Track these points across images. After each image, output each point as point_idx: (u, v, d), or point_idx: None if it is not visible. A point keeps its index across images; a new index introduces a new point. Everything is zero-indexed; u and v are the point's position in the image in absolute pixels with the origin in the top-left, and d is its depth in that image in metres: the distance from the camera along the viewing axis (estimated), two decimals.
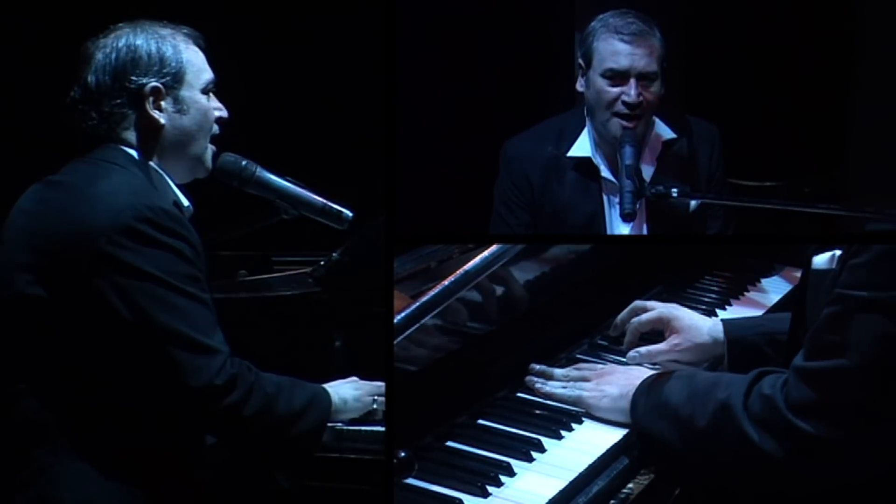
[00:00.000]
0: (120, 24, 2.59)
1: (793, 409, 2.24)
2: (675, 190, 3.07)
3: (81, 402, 2.40)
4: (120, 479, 2.40)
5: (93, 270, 2.36)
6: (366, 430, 2.78)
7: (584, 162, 3.31)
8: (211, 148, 2.65)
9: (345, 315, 3.05)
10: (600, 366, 2.78)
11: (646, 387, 2.55)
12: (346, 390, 2.68)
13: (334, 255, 3.10)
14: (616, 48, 3.15)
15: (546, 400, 2.71)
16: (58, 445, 2.39)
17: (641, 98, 3.16)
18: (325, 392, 2.62)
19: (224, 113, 2.66)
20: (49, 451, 2.40)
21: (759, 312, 3.33)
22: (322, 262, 3.11)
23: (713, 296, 3.44)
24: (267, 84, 3.88)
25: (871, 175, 4.37)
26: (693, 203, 3.33)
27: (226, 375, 2.39)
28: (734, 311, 3.35)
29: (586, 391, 2.64)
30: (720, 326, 2.88)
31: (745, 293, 3.50)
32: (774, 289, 3.55)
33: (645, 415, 2.50)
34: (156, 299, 2.37)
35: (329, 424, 2.70)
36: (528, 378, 2.76)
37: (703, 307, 3.32)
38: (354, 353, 3.03)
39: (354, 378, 2.74)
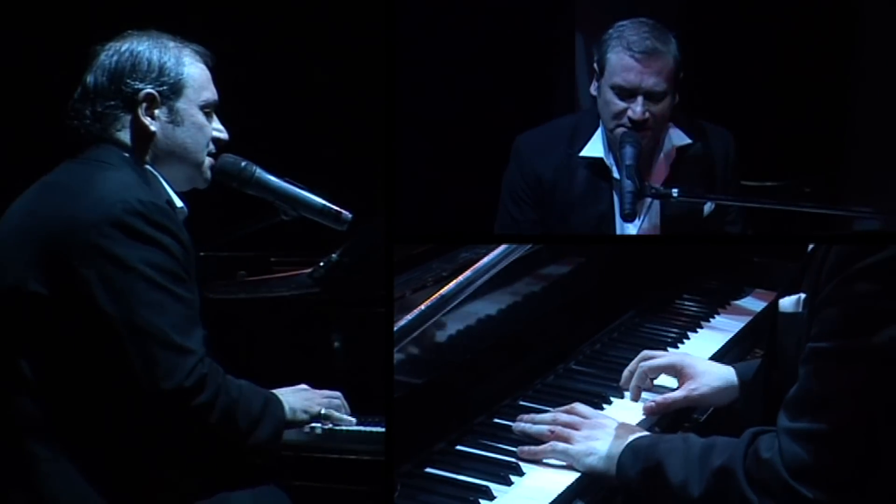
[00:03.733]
0: (130, 31, 2.60)
1: (792, 473, 2.18)
2: (675, 190, 3.07)
3: (73, 397, 2.40)
4: (114, 475, 2.39)
5: (81, 262, 2.36)
6: (366, 431, 2.78)
7: (596, 162, 3.31)
8: (209, 160, 2.65)
9: (344, 316, 3.06)
10: (590, 411, 2.67)
11: (633, 449, 2.44)
12: (294, 399, 2.66)
13: (333, 255, 3.10)
14: (626, 64, 3.14)
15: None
16: (53, 441, 2.39)
17: (647, 116, 3.15)
18: (278, 399, 2.61)
19: (224, 135, 2.66)
20: (45, 447, 2.40)
21: (729, 335, 3.33)
22: (321, 263, 3.11)
23: (684, 319, 3.43)
24: (266, 84, 3.88)
25: (871, 175, 4.37)
26: (707, 207, 3.32)
27: (196, 377, 2.38)
28: (705, 335, 3.35)
29: (572, 446, 2.51)
30: (731, 370, 2.83)
31: (716, 316, 3.50)
32: (744, 311, 3.55)
33: (634, 478, 2.40)
34: (138, 293, 2.36)
35: (328, 427, 2.72)
36: (518, 447, 2.61)
37: (675, 331, 3.32)
38: (353, 353, 3.03)
39: (304, 386, 2.73)
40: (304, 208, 2.81)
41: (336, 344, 3.05)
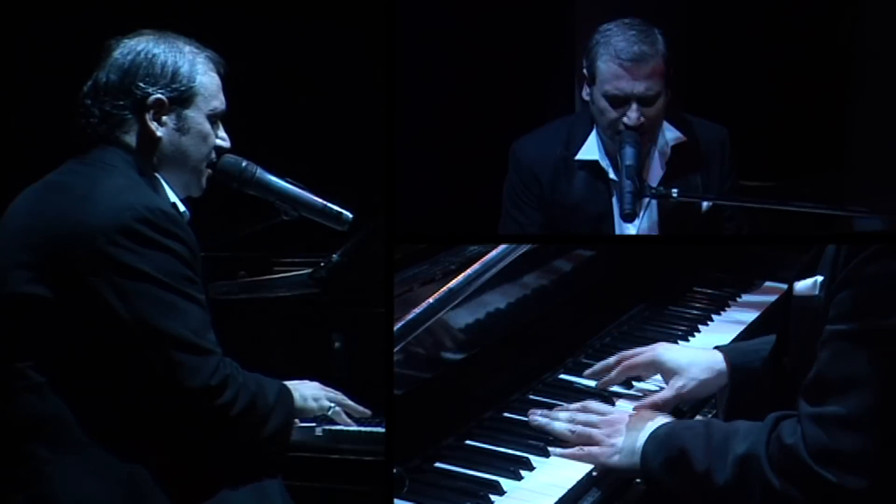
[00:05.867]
0: (146, 30, 2.59)
1: (815, 458, 2.17)
2: (675, 190, 3.07)
3: (80, 400, 2.40)
4: (118, 477, 2.39)
5: (91, 270, 2.36)
6: (366, 432, 2.78)
7: (592, 164, 3.32)
8: (207, 171, 2.65)
9: (344, 316, 3.06)
10: (605, 407, 2.68)
11: (656, 439, 2.43)
12: (305, 388, 2.70)
13: (334, 256, 3.10)
14: (615, 72, 3.14)
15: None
16: (57, 442, 2.39)
17: (642, 120, 3.16)
18: (288, 388, 2.64)
19: (226, 144, 2.66)
20: (47, 448, 2.39)
21: (740, 328, 3.32)
22: (322, 264, 3.11)
23: (695, 312, 3.43)
24: (267, 85, 3.88)
25: (871, 175, 4.37)
26: (705, 204, 3.33)
27: (220, 376, 2.40)
28: (716, 327, 3.34)
29: (596, 447, 2.51)
30: (719, 356, 2.78)
31: (726, 308, 3.49)
32: (755, 303, 3.54)
33: (658, 469, 2.39)
34: (153, 300, 2.37)
35: (327, 427, 2.73)
36: (532, 421, 2.64)
37: (685, 324, 3.32)
38: (353, 354, 3.03)
39: (313, 382, 2.76)
40: (305, 208, 2.81)
41: (336, 344, 3.06)
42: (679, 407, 2.79)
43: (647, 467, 2.41)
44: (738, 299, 3.57)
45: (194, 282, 2.43)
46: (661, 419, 2.53)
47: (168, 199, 2.55)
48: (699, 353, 2.85)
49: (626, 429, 2.50)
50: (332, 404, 2.75)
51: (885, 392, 2.14)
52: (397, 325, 2.39)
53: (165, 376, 2.37)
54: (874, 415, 2.15)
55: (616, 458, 2.47)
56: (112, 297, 2.36)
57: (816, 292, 2.34)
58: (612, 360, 2.90)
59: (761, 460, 2.24)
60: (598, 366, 2.91)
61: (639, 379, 2.91)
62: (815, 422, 2.19)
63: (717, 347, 2.85)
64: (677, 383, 2.77)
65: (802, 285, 2.40)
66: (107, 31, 2.63)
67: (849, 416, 2.16)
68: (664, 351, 2.87)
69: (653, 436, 2.44)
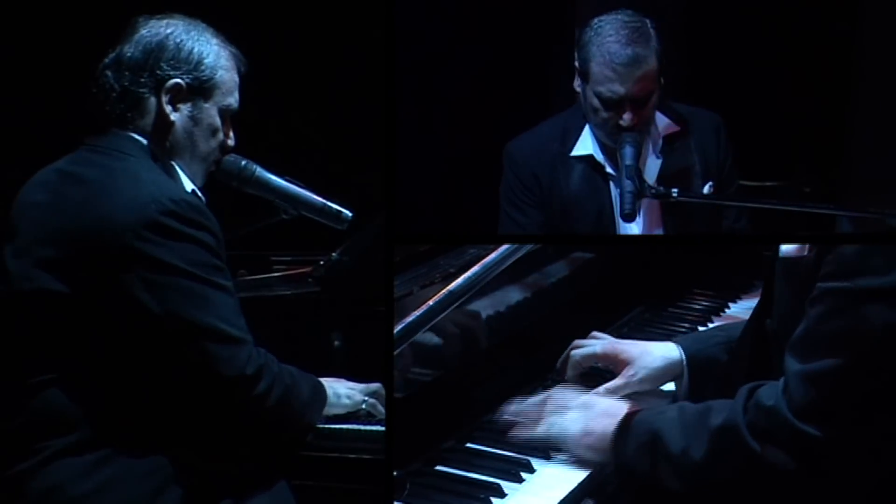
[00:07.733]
0: (176, 14, 2.59)
1: (798, 415, 2.18)
2: (675, 190, 3.07)
3: (108, 394, 2.39)
4: (139, 471, 2.39)
5: (119, 266, 2.35)
6: (366, 430, 2.78)
7: (589, 159, 3.32)
8: (212, 166, 2.66)
9: (344, 315, 3.05)
10: (573, 395, 2.66)
11: (626, 426, 2.44)
12: (338, 386, 2.71)
13: (334, 255, 3.10)
14: (608, 76, 3.14)
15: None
16: (78, 436, 2.38)
17: (636, 120, 3.16)
18: (322, 384, 2.65)
19: (231, 142, 2.67)
20: (66, 441, 2.38)
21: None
22: (321, 262, 3.11)
23: (695, 314, 3.43)
24: (267, 84, 3.88)
25: (871, 175, 4.38)
26: (707, 188, 3.32)
27: (255, 365, 2.41)
28: None
29: (569, 431, 2.52)
30: (672, 346, 2.82)
31: (726, 310, 3.49)
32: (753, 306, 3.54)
33: (631, 455, 2.40)
34: (184, 292, 2.37)
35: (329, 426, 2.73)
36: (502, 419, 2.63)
37: (684, 326, 3.31)
38: (353, 353, 3.03)
39: (343, 380, 2.76)
40: (305, 207, 2.82)
41: (336, 343, 3.05)
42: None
43: (619, 455, 2.42)
44: (737, 301, 3.57)
45: (221, 269, 2.43)
46: (624, 404, 2.54)
47: (185, 186, 2.56)
48: (652, 345, 2.88)
49: (594, 415, 2.51)
50: (366, 397, 2.74)
51: (874, 348, 2.15)
52: (398, 328, 2.39)
53: (200, 368, 2.37)
54: (861, 371, 2.16)
55: (588, 440, 2.48)
56: (141, 292, 2.35)
57: (805, 252, 2.34)
58: (567, 351, 2.90)
59: (740, 428, 2.25)
60: (559, 361, 2.91)
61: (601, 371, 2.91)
62: (802, 378, 2.20)
63: (673, 339, 2.88)
64: (629, 372, 2.80)
65: (790, 246, 2.40)
66: (106, 18, 2.63)
67: (836, 370, 2.16)
68: (616, 343, 2.90)
69: (620, 424, 2.45)
